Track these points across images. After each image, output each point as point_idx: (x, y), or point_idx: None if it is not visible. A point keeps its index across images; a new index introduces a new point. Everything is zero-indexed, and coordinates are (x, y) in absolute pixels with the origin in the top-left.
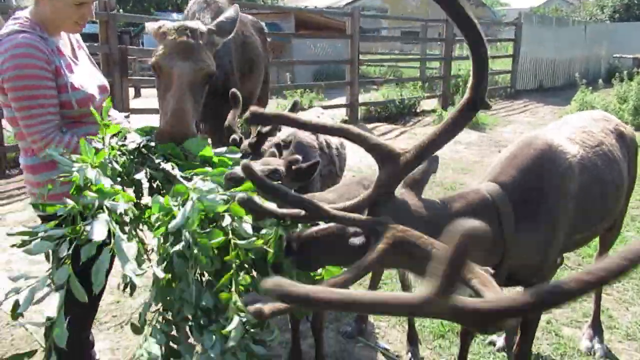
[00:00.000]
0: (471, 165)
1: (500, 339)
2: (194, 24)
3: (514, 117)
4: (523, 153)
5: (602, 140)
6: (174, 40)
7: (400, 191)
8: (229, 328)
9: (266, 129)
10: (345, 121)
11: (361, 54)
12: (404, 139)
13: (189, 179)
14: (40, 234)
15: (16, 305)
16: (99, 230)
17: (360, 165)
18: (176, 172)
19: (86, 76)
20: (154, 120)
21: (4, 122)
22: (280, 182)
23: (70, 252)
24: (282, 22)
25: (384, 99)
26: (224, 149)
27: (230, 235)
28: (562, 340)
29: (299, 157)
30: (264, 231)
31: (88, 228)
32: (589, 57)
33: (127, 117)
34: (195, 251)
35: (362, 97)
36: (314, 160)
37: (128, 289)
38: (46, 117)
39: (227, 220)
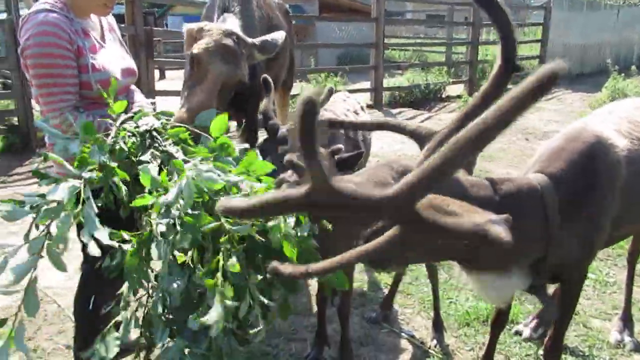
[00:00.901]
0: (496, 153)
1: (526, 329)
2: (239, 31)
3: (541, 104)
4: (571, 146)
5: None
6: (219, 39)
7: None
8: (209, 316)
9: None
10: (369, 106)
11: (386, 37)
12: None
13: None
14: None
15: None
16: (61, 191)
17: (384, 152)
18: (179, 154)
19: (111, 58)
20: (178, 102)
21: (33, 102)
22: None
23: (50, 222)
24: (306, 5)
25: (408, 84)
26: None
27: (223, 220)
28: (590, 332)
29: (341, 146)
30: (270, 223)
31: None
32: (620, 42)
33: (152, 103)
34: (179, 228)
35: (387, 82)
36: (358, 151)
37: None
38: (64, 95)
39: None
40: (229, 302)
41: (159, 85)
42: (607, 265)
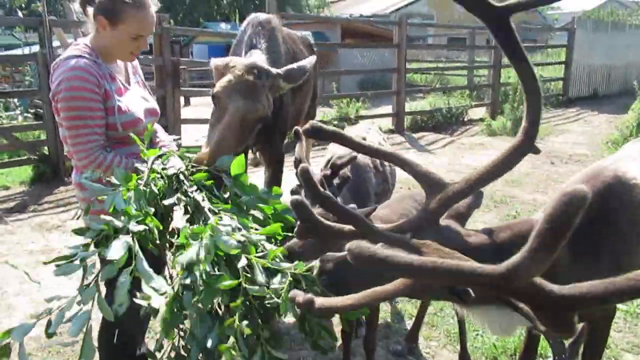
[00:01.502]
0: (522, 178)
1: None
2: (264, 65)
3: (566, 126)
4: (589, 185)
5: None
6: (240, 76)
7: (445, 222)
8: None
9: (342, 161)
10: (391, 130)
11: (407, 61)
12: (451, 149)
13: (216, 213)
14: (76, 257)
15: (48, 324)
16: (115, 250)
17: (408, 177)
18: (205, 203)
19: (135, 100)
20: (203, 129)
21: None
22: None
23: (98, 273)
24: (329, 32)
25: (430, 108)
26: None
27: (242, 280)
28: None
29: (349, 174)
30: (275, 283)
31: (107, 248)
32: None
33: (176, 139)
34: (202, 288)
35: (409, 106)
36: (345, 176)
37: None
38: (92, 136)
39: (242, 262)
40: None
41: (184, 112)
42: None
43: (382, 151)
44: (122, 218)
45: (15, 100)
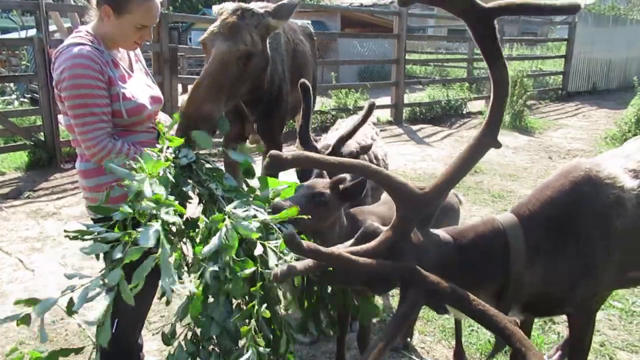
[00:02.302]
0: (520, 172)
1: None
2: (250, 5)
3: (565, 121)
4: (557, 184)
5: None
6: (223, 19)
7: (417, 231)
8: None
9: (345, 133)
10: (389, 122)
11: (407, 52)
12: (449, 142)
13: (231, 200)
14: (94, 234)
15: (71, 302)
16: (149, 237)
17: (405, 169)
18: (219, 192)
19: (139, 87)
20: None
21: (60, 117)
22: (327, 204)
23: (123, 255)
24: (328, 21)
25: (429, 100)
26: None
27: (259, 265)
28: None
29: (345, 176)
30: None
31: (138, 234)
32: None
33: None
34: (229, 275)
35: (408, 97)
36: (359, 178)
37: (164, 299)
38: (99, 124)
39: (259, 249)
40: (261, 349)
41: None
42: (635, 293)
43: (349, 164)
44: (151, 204)
45: (12, 84)
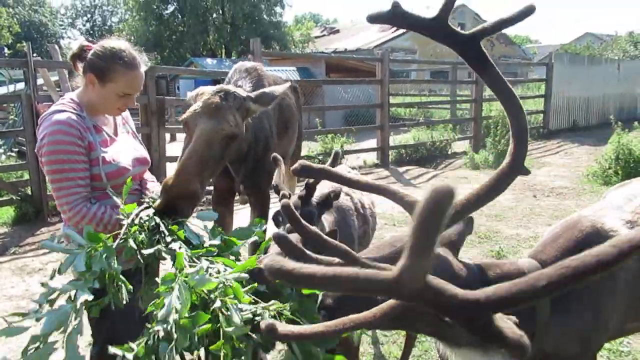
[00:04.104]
0: (505, 212)
1: None
2: (232, 88)
3: (548, 159)
4: (567, 234)
5: None
6: (206, 100)
7: (437, 250)
8: None
9: (313, 180)
10: (376, 165)
11: (391, 95)
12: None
13: (196, 260)
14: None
15: None
16: (49, 322)
17: (392, 212)
18: (182, 251)
19: (122, 150)
20: None
21: None
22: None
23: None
24: (313, 67)
25: (414, 142)
26: (246, 226)
27: (222, 321)
28: None
29: (336, 229)
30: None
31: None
32: (623, 95)
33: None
34: (176, 335)
35: (393, 139)
36: (332, 229)
37: None
38: (74, 189)
39: (217, 304)
40: None
41: (171, 148)
42: None
43: (369, 184)
44: (72, 282)
45: None
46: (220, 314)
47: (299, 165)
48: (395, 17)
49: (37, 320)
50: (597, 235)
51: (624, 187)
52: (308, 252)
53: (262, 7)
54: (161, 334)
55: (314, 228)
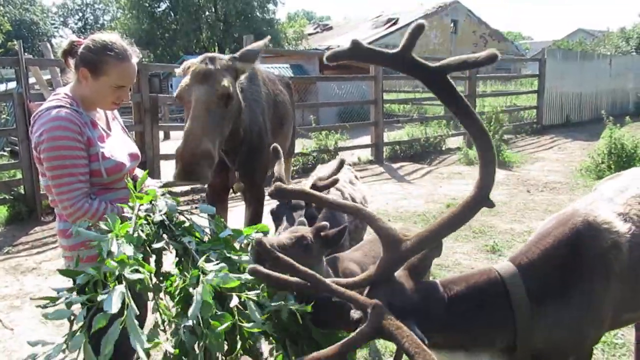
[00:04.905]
0: (500, 207)
1: None
2: (214, 54)
3: (541, 154)
4: (557, 232)
5: None
6: (193, 70)
7: (399, 274)
8: None
9: (321, 183)
10: (370, 161)
11: (385, 92)
12: (429, 179)
13: (205, 254)
14: (61, 300)
15: None
16: (112, 302)
17: (386, 208)
18: (192, 245)
19: (117, 146)
20: None
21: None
22: (310, 248)
23: (86, 320)
24: (307, 64)
25: (408, 138)
26: (252, 229)
27: (237, 318)
28: None
29: (326, 223)
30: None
31: (103, 297)
32: (615, 91)
33: (162, 186)
34: (205, 330)
35: (387, 136)
36: (342, 226)
37: None
38: (76, 184)
39: (234, 301)
40: None
41: (165, 146)
42: None
43: (345, 205)
44: (114, 264)
45: None
46: (236, 312)
47: (274, 189)
48: (356, 53)
49: (67, 306)
50: (590, 231)
51: (614, 180)
52: (295, 263)
53: (255, 4)
54: (187, 323)
55: (287, 259)
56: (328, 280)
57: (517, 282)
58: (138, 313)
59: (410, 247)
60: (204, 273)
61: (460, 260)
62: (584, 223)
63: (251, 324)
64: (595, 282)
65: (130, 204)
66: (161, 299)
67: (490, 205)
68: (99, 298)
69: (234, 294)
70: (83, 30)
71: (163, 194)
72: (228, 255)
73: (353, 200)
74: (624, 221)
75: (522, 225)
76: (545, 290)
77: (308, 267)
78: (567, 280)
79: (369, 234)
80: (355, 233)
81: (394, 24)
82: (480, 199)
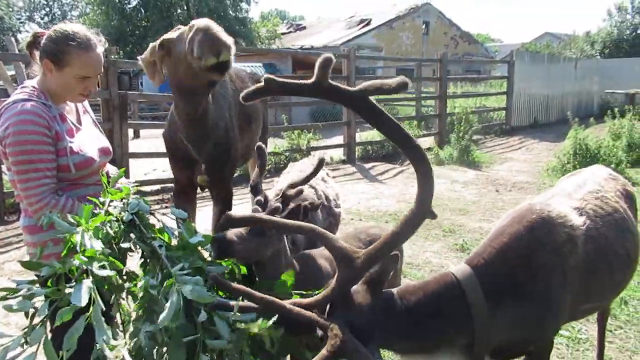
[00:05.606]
0: (469, 206)
1: None
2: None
3: (510, 154)
4: (512, 230)
5: (616, 208)
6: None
7: (358, 289)
8: None
9: (292, 191)
10: (342, 161)
11: None
12: (401, 179)
13: (173, 260)
14: (22, 292)
15: None
16: (80, 295)
17: (358, 207)
18: (162, 250)
19: (87, 140)
20: (150, 164)
21: (4, 167)
22: (265, 233)
23: (48, 313)
24: (280, 63)
25: (380, 138)
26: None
27: (200, 333)
28: None
29: (279, 205)
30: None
31: (69, 291)
32: (580, 93)
33: (135, 186)
34: (166, 339)
35: (359, 136)
36: (292, 206)
37: None
38: (43, 180)
39: (202, 316)
40: None
41: (134, 145)
42: (580, 321)
43: (300, 226)
44: (83, 258)
45: None
46: (201, 328)
47: (224, 219)
48: (273, 88)
49: (28, 298)
50: (544, 226)
51: (575, 176)
52: (252, 291)
53: (228, 2)
54: (149, 328)
55: (243, 287)
56: (285, 302)
57: (473, 284)
58: (104, 309)
59: (361, 265)
60: (178, 282)
61: (430, 259)
62: (538, 219)
63: (217, 341)
64: (552, 277)
65: (102, 199)
66: (123, 299)
67: (433, 216)
68: (67, 291)
69: (202, 309)
70: (50, 26)
71: (135, 193)
72: (199, 265)
73: (327, 197)
74: (579, 215)
75: (491, 224)
76: (503, 289)
77: (266, 251)
78: (524, 277)
79: (353, 228)
80: (329, 230)
81: (367, 24)
82: (422, 213)
